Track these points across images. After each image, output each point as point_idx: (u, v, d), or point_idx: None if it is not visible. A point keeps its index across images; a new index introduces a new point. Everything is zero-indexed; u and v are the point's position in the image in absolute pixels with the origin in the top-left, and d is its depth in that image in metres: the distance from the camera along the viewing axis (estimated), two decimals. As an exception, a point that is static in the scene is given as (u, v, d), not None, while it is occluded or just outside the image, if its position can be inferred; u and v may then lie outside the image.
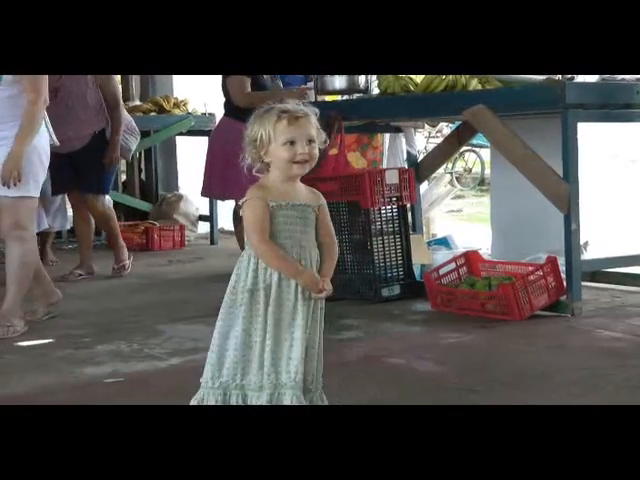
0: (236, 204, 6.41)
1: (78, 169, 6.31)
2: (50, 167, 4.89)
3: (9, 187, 4.54)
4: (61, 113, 5.90)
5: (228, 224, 8.85)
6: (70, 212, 6.99)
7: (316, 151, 2.81)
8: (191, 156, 8.58)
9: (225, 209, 8.61)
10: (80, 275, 6.44)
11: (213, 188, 6.33)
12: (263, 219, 2.79)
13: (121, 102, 6.54)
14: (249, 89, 6.08)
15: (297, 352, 2.80)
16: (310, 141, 2.78)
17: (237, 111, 5.93)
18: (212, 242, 8.34)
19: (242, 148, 2.86)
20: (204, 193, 6.55)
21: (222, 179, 6.09)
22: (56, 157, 5.42)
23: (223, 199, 6.87)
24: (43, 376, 3.91)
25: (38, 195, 4.76)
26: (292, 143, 2.76)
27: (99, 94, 6.27)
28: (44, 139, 4.71)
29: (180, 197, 8.72)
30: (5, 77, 4.54)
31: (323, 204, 2.91)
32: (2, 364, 4.18)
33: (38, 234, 7.19)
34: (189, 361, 4.09)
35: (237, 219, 6.52)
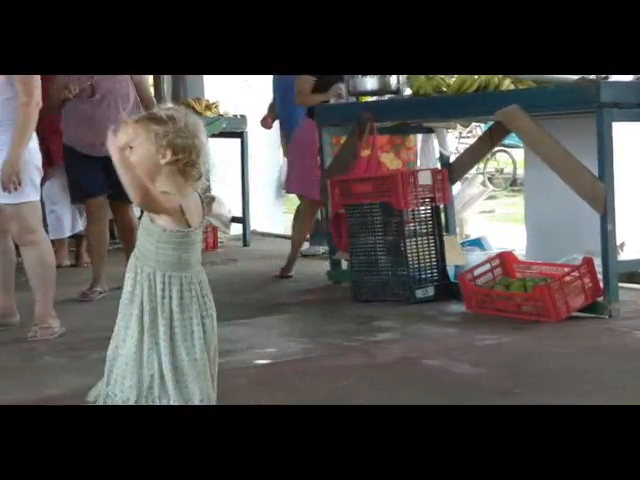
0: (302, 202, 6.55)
1: (111, 173, 6.16)
2: (82, 171, 4.96)
3: (10, 192, 4.56)
4: (101, 113, 5.73)
5: (260, 225, 8.90)
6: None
7: (132, 158, 2.60)
8: (223, 158, 8.60)
9: (257, 210, 8.65)
10: (101, 293, 5.83)
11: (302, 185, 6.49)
12: None
13: (155, 102, 6.31)
14: (307, 89, 6.29)
15: None
16: (130, 147, 2.63)
17: (309, 111, 6.33)
18: (245, 244, 8.36)
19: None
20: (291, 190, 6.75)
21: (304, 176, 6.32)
22: (90, 160, 5.51)
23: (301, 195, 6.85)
24: (82, 377, 3.93)
25: (38, 198, 4.77)
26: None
27: (136, 93, 6.04)
28: (34, 141, 4.70)
29: (212, 199, 8.73)
30: None
31: None
32: (41, 365, 4.23)
33: (72, 237, 7.33)
34: (226, 362, 4.09)
35: (297, 217, 6.62)
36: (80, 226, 7.03)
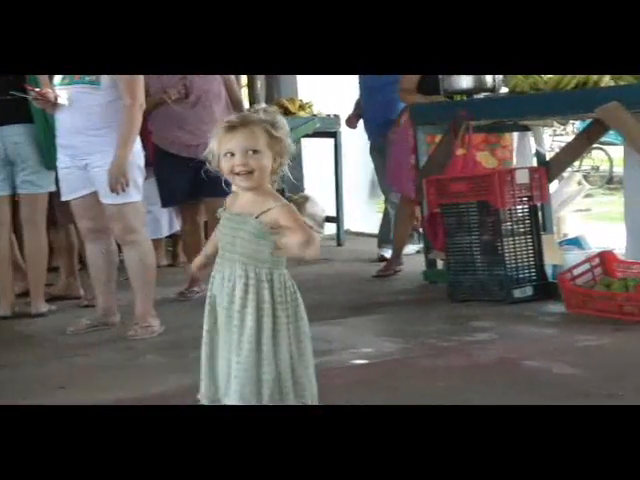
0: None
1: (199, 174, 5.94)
2: (174, 176, 5.00)
3: (118, 193, 4.64)
4: (195, 114, 5.69)
5: (355, 225, 8.89)
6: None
7: (264, 162, 2.64)
8: (316, 158, 8.63)
9: (351, 210, 8.65)
10: (198, 292, 5.74)
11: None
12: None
13: (243, 102, 6.36)
14: (412, 87, 6.25)
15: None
16: (254, 151, 2.64)
17: None
18: (339, 243, 8.37)
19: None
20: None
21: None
22: (181, 163, 5.55)
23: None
24: (183, 376, 3.98)
25: (141, 199, 4.85)
26: (232, 154, 2.66)
27: (226, 94, 5.96)
28: (137, 143, 4.78)
29: (306, 198, 8.77)
30: (103, 82, 4.62)
31: (269, 210, 2.67)
32: (143, 364, 4.30)
33: (169, 236, 7.44)
34: (323, 362, 4.10)
35: (397, 217, 6.61)
36: (177, 226, 7.12)
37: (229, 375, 2.73)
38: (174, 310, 5.45)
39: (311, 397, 2.78)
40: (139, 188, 4.79)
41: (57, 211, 5.58)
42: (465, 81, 5.79)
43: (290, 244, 2.67)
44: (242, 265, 2.71)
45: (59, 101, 4.67)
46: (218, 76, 5.77)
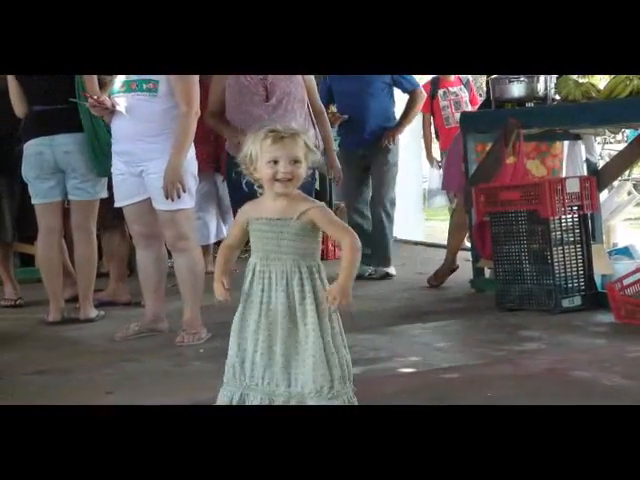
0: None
1: None
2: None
3: (173, 200, 4.66)
4: (278, 119, 4.95)
5: (401, 233, 8.87)
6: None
7: (301, 171, 2.91)
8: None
9: (398, 217, 8.62)
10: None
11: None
12: (233, 229, 3.12)
13: (324, 110, 5.83)
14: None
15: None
16: (295, 161, 2.89)
17: None
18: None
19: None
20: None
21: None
22: None
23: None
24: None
25: (193, 205, 4.87)
26: (275, 162, 2.89)
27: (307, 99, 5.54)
28: (191, 150, 4.80)
29: (338, 207, 8.77)
30: (160, 90, 4.65)
31: (307, 210, 2.91)
32: (190, 371, 4.31)
33: (215, 243, 7.46)
34: (370, 371, 4.10)
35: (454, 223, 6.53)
36: (224, 233, 7.15)
37: (290, 367, 2.95)
38: (221, 317, 5.43)
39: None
40: (192, 195, 4.82)
41: (107, 218, 5.62)
42: (516, 89, 5.75)
43: (351, 256, 2.91)
44: (293, 262, 2.94)
45: (116, 108, 4.71)
46: (301, 79, 5.46)
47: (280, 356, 2.95)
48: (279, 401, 2.96)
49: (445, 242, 8.10)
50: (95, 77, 4.99)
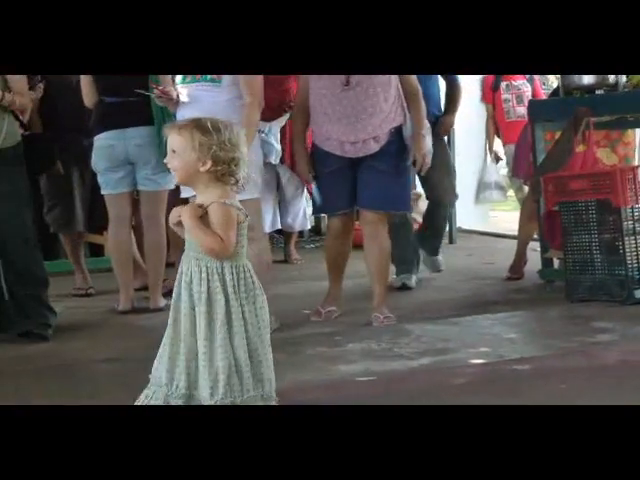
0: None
1: (367, 177, 4.92)
2: (327, 181, 4.91)
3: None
4: (357, 103, 4.81)
5: (466, 223, 8.81)
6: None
7: (174, 162, 2.90)
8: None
9: (463, 207, 8.56)
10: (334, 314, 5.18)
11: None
12: None
13: (420, 91, 5.09)
14: None
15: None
16: (173, 151, 2.91)
17: None
18: (451, 241, 8.30)
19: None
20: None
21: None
22: (338, 165, 4.92)
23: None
24: (299, 373, 4.00)
25: (259, 195, 4.86)
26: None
27: (398, 81, 4.97)
28: (256, 140, 4.79)
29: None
30: (224, 80, 4.65)
31: (209, 206, 2.91)
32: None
33: (279, 232, 7.47)
34: (440, 362, 4.08)
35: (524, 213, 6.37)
36: (279, 224, 7.15)
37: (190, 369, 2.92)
38: (288, 307, 5.45)
39: (269, 382, 2.98)
40: (258, 186, 4.82)
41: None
42: (586, 77, 5.65)
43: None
44: (196, 261, 2.91)
45: (181, 99, 4.74)
46: None
47: (182, 357, 2.91)
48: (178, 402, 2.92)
49: (510, 232, 8.07)
50: None
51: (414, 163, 4.97)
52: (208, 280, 2.88)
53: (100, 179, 5.45)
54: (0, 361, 4.48)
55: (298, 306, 5.51)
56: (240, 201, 4.66)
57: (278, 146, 5.19)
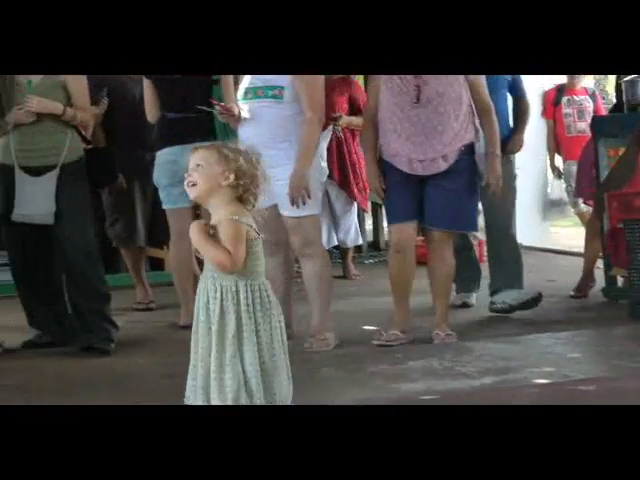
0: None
1: (434, 196, 4.82)
2: (395, 194, 4.82)
3: (298, 206, 4.65)
4: (426, 121, 4.72)
5: (526, 239, 8.70)
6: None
7: (195, 175, 2.98)
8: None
9: (523, 223, 8.45)
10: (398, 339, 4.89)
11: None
12: None
13: (492, 107, 4.94)
14: None
15: None
16: (198, 165, 3.00)
17: None
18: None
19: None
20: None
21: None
22: (407, 180, 4.81)
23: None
24: (359, 391, 3.97)
25: (319, 212, 4.86)
26: None
27: (470, 97, 4.83)
28: (317, 156, 4.80)
29: (479, 212, 8.66)
30: (285, 96, 4.67)
31: (218, 224, 2.95)
32: (319, 377, 4.30)
33: (336, 248, 7.45)
34: (502, 381, 4.02)
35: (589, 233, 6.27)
36: (335, 240, 7.15)
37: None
38: (347, 323, 5.43)
39: (280, 398, 2.98)
40: (318, 201, 4.82)
41: None
42: (650, 92, 5.58)
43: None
44: (212, 279, 2.95)
45: (242, 115, 4.75)
46: (460, 77, 4.75)
47: (200, 376, 2.99)
48: None
49: (571, 248, 7.97)
50: (232, 84, 5.04)
51: (486, 185, 4.83)
52: (222, 299, 2.93)
53: (162, 194, 5.48)
54: (62, 375, 4.52)
55: (357, 322, 5.49)
56: (301, 217, 4.73)
57: (324, 162, 5.20)
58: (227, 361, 2.91)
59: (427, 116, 4.70)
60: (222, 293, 2.93)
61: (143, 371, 4.55)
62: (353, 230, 7.26)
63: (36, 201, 4.82)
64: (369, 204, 7.71)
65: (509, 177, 5.52)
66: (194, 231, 2.96)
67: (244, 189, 2.97)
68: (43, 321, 5.09)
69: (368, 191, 6.73)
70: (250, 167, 2.97)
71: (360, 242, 7.72)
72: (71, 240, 4.88)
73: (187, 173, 3.02)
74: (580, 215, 7.83)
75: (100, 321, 4.94)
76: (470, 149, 4.82)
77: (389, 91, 4.77)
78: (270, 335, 2.96)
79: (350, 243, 7.32)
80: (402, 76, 4.68)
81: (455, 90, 4.73)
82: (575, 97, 8.08)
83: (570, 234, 9.41)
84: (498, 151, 4.84)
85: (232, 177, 2.94)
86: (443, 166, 4.75)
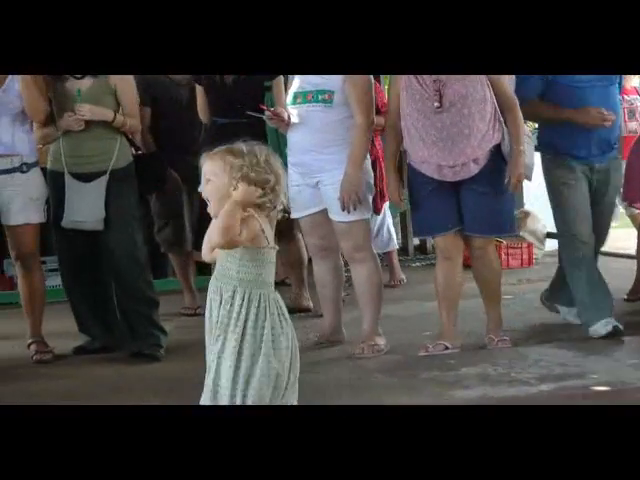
0: None
1: (470, 201, 4.68)
2: (428, 201, 4.67)
3: (349, 212, 4.61)
4: (454, 127, 4.55)
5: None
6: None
7: (207, 188, 2.83)
8: (536, 173, 8.39)
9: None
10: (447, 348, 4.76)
11: None
12: None
13: (516, 101, 4.71)
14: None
15: None
16: (207, 179, 2.84)
17: None
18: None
19: None
20: None
21: None
22: (439, 187, 4.67)
23: None
24: (414, 397, 3.92)
25: (369, 216, 4.83)
26: None
27: (493, 95, 4.63)
28: (368, 161, 4.78)
29: (527, 214, 8.55)
30: (335, 100, 4.64)
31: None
32: (370, 383, 4.26)
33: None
34: (561, 388, 3.94)
35: None
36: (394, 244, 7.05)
37: None
38: (396, 328, 5.35)
39: None
40: (368, 206, 4.78)
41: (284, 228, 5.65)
42: None
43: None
44: (216, 288, 2.86)
45: (292, 120, 4.72)
46: (483, 76, 4.55)
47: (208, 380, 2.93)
48: None
49: (622, 250, 7.83)
50: (283, 91, 5.01)
51: (508, 183, 4.60)
52: (230, 304, 2.82)
53: (209, 200, 5.46)
54: (113, 381, 4.53)
55: (407, 327, 5.43)
56: (352, 221, 4.67)
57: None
58: (225, 366, 2.84)
59: (452, 120, 4.53)
60: (231, 299, 2.82)
61: (191, 377, 4.51)
62: (387, 235, 7.05)
63: (86, 207, 4.83)
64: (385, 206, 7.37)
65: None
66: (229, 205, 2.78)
67: (257, 195, 2.80)
68: (93, 327, 5.10)
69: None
70: (259, 173, 2.79)
71: (392, 247, 7.24)
72: (119, 246, 4.88)
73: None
74: (632, 217, 7.68)
75: (148, 327, 4.94)
76: (498, 149, 4.63)
77: (410, 98, 4.61)
78: (272, 342, 2.83)
79: (386, 248, 7.12)
80: (422, 81, 4.54)
81: (478, 90, 4.54)
82: (625, 97, 7.94)
83: (619, 235, 9.25)
84: (523, 147, 4.61)
85: (241, 186, 2.77)
86: (474, 170, 4.58)
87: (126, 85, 4.90)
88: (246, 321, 2.81)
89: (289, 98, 4.81)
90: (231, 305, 2.82)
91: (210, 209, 2.84)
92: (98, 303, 5.05)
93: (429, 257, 8.02)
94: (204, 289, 6.23)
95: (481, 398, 3.85)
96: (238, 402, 2.82)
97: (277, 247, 2.87)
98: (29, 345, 5.00)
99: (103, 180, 4.84)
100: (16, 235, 4.91)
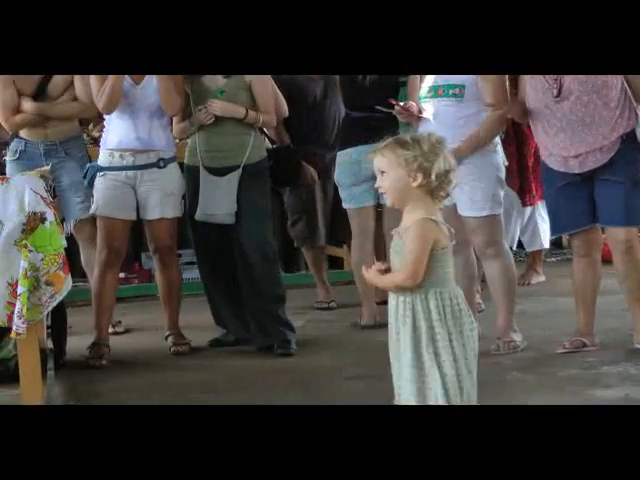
0: None
1: (605, 192, 4.50)
2: (560, 198, 4.56)
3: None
4: (573, 115, 4.46)
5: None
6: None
7: (385, 183, 2.84)
8: None
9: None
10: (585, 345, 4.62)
11: None
12: None
13: None
14: None
15: None
16: (382, 172, 2.86)
17: None
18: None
19: None
20: None
21: None
22: (569, 180, 4.53)
23: None
24: (552, 396, 3.82)
25: (501, 212, 4.73)
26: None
27: (622, 80, 4.43)
28: (498, 155, 4.69)
29: None
30: (466, 95, 4.58)
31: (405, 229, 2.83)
32: (508, 381, 4.19)
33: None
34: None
35: None
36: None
37: None
38: (533, 324, 5.23)
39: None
40: (500, 201, 4.69)
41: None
42: None
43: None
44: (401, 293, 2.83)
45: (423, 115, 4.67)
46: None
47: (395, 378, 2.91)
48: None
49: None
50: (418, 86, 4.95)
51: None
52: (412, 307, 2.80)
53: (343, 193, 5.47)
54: (247, 374, 4.57)
55: (543, 324, 5.31)
56: (483, 217, 4.59)
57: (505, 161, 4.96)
58: (425, 372, 2.80)
59: (571, 108, 4.41)
60: (413, 305, 2.81)
61: (326, 372, 4.52)
62: (531, 231, 6.83)
63: (218, 201, 4.89)
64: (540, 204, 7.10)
65: None
66: (369, 277, 2.91)
67: (436, 185, 2.79)
68: (228, 320, 5.15)
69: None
70: (432, 162, 2.77)
71: (535, 247, 6.88)
72: (248, 240, 4.92)
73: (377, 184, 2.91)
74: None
75: (275, 323, 4.95)
76: (634, 137, 4.44)
77: (533, 89, 4.53)
78: (463, 345, 2.82)
79: (527, 247, 6.91)
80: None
81: (599, 77, 4.35)
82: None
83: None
84: None
85: (420, 177, 2.78)
86: (602, 159, 4.41)
87: (261, 81, 4.93)
88: (446, 321, 2.80)
89: (422, 92, 4.76)
90: (427, 309, 2.80)
91: (388, 201, 2.90)
92: (233, 296, 5.09)
93: (565, 252, 7.82)
94: (335, 283, 6.35)
95: (624, 398, 3.72)
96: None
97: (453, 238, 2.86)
98: (167, 337, 5.10)
99: (236, 174, 4.89)
100: (153, 229, 5.01)
